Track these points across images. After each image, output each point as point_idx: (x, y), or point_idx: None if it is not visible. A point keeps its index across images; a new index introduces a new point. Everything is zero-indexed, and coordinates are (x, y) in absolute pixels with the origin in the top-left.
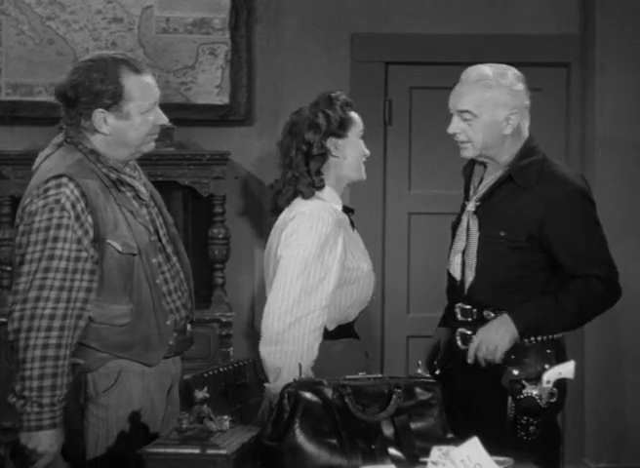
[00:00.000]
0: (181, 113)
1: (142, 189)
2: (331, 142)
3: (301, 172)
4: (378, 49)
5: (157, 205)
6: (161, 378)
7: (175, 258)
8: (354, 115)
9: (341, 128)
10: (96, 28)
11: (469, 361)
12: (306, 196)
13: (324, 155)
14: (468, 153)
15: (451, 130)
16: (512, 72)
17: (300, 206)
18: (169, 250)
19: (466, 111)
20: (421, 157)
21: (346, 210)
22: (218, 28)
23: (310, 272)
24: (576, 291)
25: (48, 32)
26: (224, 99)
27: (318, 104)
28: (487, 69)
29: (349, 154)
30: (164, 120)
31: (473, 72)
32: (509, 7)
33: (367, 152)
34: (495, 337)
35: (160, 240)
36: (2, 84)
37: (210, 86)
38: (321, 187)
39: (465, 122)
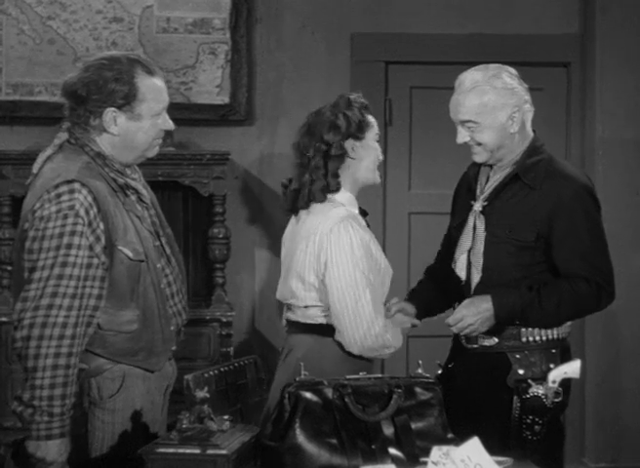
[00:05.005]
0: (182, 113)
1: (144, 192)
2: (349, 144)
3: (318, 174)
4: (378, 49)
5: (154, 206)
6: (160, 380)
7: (173, 260)
8: (371, 118)
9: (360, 130)
10: (96, 28)
11: (452, 328)
12: (318, 199)
13: (342, 156)
14: (481, 158)
15: (459, 140)
16: (505, 71)
17: (326, 213)
18: (168, 251)
19: (468, 121)
20: (421, 157)
21: (362, 212)
22: (218, 28)
23: (369, 280)
24: (560, 291)
25: (48, 32)
26: (225, 99)
27: (338, 106)
28: (478, 74)
29: (366, 156)
30: (170, 126)
31: (466, 79)
32: (509, 7)
33: (381, 157)
34: (475, 321)
35: (161, 243)
36: (2, 84)
37: (210, 86)
38: (336, 190)
39: (470, 130)
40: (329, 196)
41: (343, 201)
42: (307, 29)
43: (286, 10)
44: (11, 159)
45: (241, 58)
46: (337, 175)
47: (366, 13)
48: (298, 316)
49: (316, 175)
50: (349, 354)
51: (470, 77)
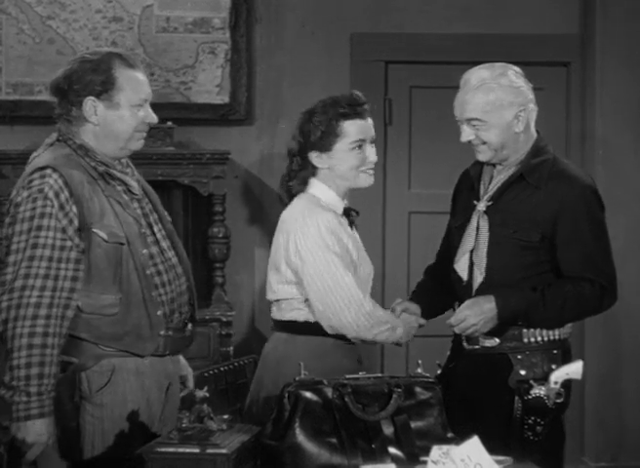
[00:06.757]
0: (181, 112)
1: (134, 184)
2: (313, 155)
3: (284, 177)
4: (378, 48)
5: (152, 202)
6: (158, 377)
7: (171, 253)
8: (346, 126)
9: (324, 141)
10: (96, 27)
11: (454, 329)
12: (282, 202)
13: (306, 167)
14: (484, 157)
15: (464, 139)
16: (511, 70)
17: (294, 204)
18: (164, 244)
19: (474, 119)
20: (421, 157)
21: (347, 211)
22: (218, 28)
23: (346, 262)
24: (564, 292)
25: (48, 31)
26: (224, 99)
27: (310, 113)
28: (485, 72)
29: (337, 166)
30: (153, 119)
31: (472, 77)
32: (509, 7)
33: (372, 159)
34: (477, 321)
35: (154, 234)
36: (2, 83)
37: (210, 85)
38: (295, 194)
39: (475, 128)
40: (302, 195)
41: (322, 196)
42: (307, 29)
43: (286, 10)
44: (11, 159)
45: (241, 58)
46: (303, 182)
47: (366, 13)
48: (274, 312)
49: (285, 178)
50: (321, 353)
51: (477, 75)
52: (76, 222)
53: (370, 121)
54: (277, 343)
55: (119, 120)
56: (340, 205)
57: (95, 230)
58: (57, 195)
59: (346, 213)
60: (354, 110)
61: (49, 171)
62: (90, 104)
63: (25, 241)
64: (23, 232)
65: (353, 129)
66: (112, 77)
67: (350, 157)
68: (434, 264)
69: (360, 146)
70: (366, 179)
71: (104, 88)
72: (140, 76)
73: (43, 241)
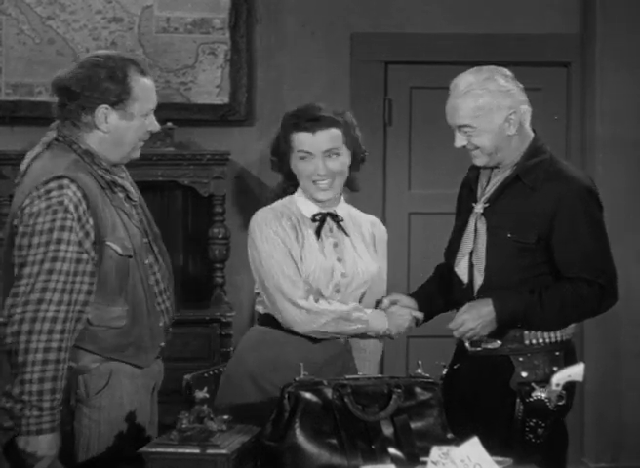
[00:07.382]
0: (182, 113)
1: (132, 190)
2: (277, 162)
3: (279, 185)
4: (378, 49)
5: (142, 205)
6: (147, 380)
7: (161, 259)
8: (297, 137)
9: (279, 150)
10: (96, 28)
11: (454, 333)
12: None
13: (282, 169)
14: (480, 161)
15: (457, 145)
16: (498, 73)
17: None
18: (156, 249)
19: (465, 125)
20: (421, 157)
21: (323, 217)
22: (218, 28)
23: (276, 250)
24: (563, 294)
25: (48, 32)
26: (224, 99)
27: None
28: (472, 77)
29: (297, 175)
30: (156, 127)
31: (460, 83)
32: (509, 7)
33: (320, 172)
34: (476, 325)
35: (150, 241)
36: (2, 84)
37: (210, 86)
38: (282, 196)
39: (467, 134)
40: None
41: (297, 201)
42: (307, 29)
43: (286, 10)
44: (11, 159)
45: (241, 58)
46: (283, 183)
47: (366, 13)
48: None
49: (283, 185)
50: (260, 342)
51: (464, 80)
52: (92, 235)
53: (323, 136)
54: (248, 332)
55: (130, 129)
56: (310, 210)
57: (109, 243)
58: (76, 207)
59: (320, 219)
60: (303, 123)
61: (66, 181)
62: (102, 112)
63: (44, 253)
64: (42, 244)
65: (302, 139)
66: (128, 87)
67: (298, 168)
68: (443, 263)
69: (305, 158)
70: (319, 193)
71: (120, 98)
72: (151, 83)
73: (62, 254)
